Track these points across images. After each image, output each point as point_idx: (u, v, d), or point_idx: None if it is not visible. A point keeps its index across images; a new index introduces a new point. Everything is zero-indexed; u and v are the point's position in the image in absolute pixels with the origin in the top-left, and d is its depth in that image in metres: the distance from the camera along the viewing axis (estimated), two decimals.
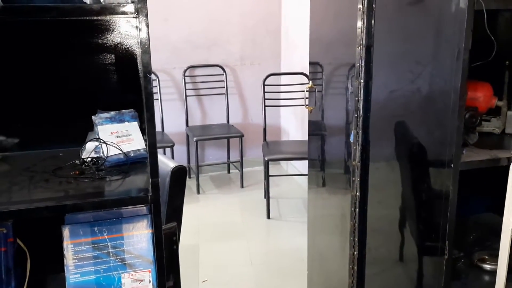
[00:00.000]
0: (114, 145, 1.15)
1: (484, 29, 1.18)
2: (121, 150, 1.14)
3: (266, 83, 3.91)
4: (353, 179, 1.62)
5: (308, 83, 2.12)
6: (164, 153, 4.09)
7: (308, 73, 2.95)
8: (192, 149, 4.00)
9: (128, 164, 1.13)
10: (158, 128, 4.09)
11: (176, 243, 2.08)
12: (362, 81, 1.52)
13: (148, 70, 0.88)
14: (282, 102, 4.02)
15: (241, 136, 3.96)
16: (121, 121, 1.21)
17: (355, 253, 1.69)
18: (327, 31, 1.92)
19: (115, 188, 1.02)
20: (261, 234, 3.30)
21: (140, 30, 0.88)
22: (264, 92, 3.89)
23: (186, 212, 3.56)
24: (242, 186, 4.09)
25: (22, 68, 1.29)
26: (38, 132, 1.31)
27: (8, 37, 1.24)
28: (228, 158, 4.42)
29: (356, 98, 1.55)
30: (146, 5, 0.88)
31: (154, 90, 4.00)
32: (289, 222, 3.46)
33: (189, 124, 4.19)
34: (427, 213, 1.34)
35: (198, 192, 3.97)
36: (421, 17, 1.32)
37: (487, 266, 1.39)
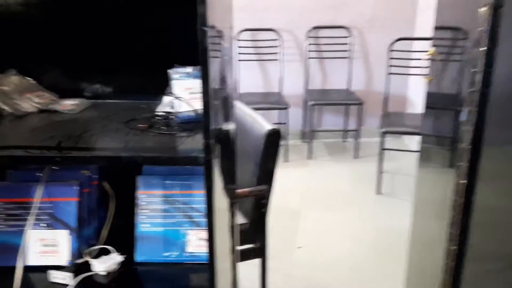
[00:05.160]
0: (186, 101, 1.12)
1: None
2: (192, 107, 1.11)
3: (395, 48, 3.60)
4: (460, 164, 1.39)
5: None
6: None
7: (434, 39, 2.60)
8: (309, 113, 3.90)
9: (196, 122, 1.10)
10: (275, 89, 4.07)
11: (264, 206, 2.05)
12: (483, 48, 1.27)
13: (203, 23, 0.82)
14: (412, 70, 3.68)
15: (360, 104, 3.74)
16: (198, 77, 1.18)
17: (454, 247, 1.47)
18: None
19: (172, 145, 1.00)
20: (367, 209, 3.13)
21: None
22: (390, 58, 3.58)
23: (293, 176, 3.58)
24: (356, 157, 3.90)
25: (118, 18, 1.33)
26: (129, 82, 1.35)
27: None
28: (346, 125, 4.24)
29: (473, 70, 1.30)
30: None
31: (276, 50, 3.95)
32: (401, 200, 3.21)
33: (309, 87, 4.08)
34: None
35: (309, 157, 3.90)
36: None
37: None
